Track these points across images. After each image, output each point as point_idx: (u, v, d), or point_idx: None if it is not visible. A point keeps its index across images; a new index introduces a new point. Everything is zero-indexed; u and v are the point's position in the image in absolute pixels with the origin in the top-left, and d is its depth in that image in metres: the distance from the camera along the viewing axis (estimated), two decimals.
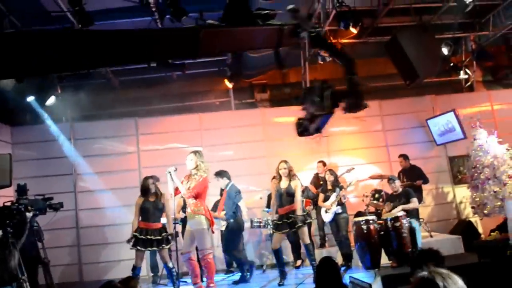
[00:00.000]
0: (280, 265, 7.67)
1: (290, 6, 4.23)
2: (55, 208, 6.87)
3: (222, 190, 8.45)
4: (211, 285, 6.74)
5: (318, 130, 4.41)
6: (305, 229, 7.48)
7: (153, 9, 7.43)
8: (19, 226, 6.18)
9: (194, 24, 6.69)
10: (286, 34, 4.18)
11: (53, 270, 6.76)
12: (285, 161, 7.63)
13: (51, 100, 8.52)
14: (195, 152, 6.93)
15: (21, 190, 6.11)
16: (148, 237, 7.12)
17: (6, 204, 5.69)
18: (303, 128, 4.51)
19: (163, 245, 7.25)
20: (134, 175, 9.81)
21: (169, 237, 7.28)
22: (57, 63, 2.97)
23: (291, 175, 7.54)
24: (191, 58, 5.31)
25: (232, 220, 8.17)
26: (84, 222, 10.04)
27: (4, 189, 6.31)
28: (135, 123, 10.48)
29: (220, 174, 8.33)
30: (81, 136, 10.31)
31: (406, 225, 7.77)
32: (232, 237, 8.29)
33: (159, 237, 7.21)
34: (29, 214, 5.84)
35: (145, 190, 7.41)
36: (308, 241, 7.49)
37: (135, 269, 7.14)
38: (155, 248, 7.23)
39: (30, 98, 8.15)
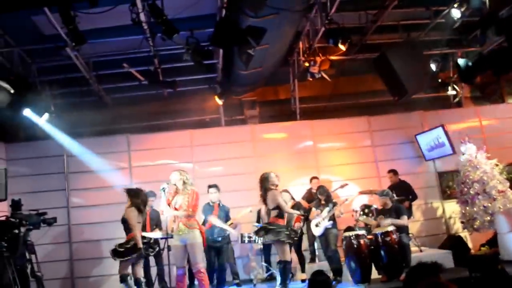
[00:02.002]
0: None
1: None
2: (49, 223, 6.93)
3: (213, 203, 8.54)
4: None
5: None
6: (282, 246, 7.24)
7: (145, 28, 7.57)
8: (13, 241, 6.26)
9: (185, 43, 6.83)
10: None
11: (46, 284, 6.77)
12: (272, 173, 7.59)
13: (45, 118, 8.60)
14: (180, 171, 7.11)
15: (16, 205, 6.18)
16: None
17: (0, 219, 5.75)
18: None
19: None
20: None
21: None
22: None
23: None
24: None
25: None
26: (77, 237, 10.09)
27: None
28: (127, 140, 10.58)
29: (217, 187, 8.54)
30: (74, 152, 10.37)
31: (396, 240, 7.86)
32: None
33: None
34: (23, 229, 5.90)
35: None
36: (288, 258, 7.27)
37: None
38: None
39: (26, 113, 8.22)
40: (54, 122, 9.36)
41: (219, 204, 8.55)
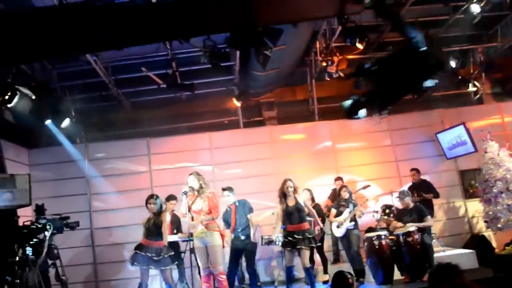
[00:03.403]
0: (289, 281, 7.53)
1: None
2: (72, 227, 7.02)
3: (230, 206, 8.53)
4: None
5: (388, 104, 4.16)
6: (307, 252, 7.33)
7: None
8: (38, 245, 6.37)
9: (202, 46, 6.83)
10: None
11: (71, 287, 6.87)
12: (290, 180, 7.57)
13: (66, 123, 8.70)
14: (195, 173, 7.13)
15: (39, 210, 6.26)
16: (148, 254, 7.05)
17: (25, 223, 5.84)
18: (358, 107, 4.44)
19: (162, 267, 7.08)
20: (147, 194, 9.89)
21: (168, 260, 7.15)
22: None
23: (296, 192, 7.56)
24: (245, 25, 4.92)
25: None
26: (100, 240, 10.21)
27: (23, 209, 6.48)
28: (146, 143, 10.66)
29: (231, 189, 8.50)
30: (95, 156, 10.51)
31: (419, 240, 7.78)
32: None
33: (158, 257, 7.02)
34: (47, 233, 5.98)
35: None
36: (308, 264, 7.34)
37: (141, 285, 7.11)
38: (152, 267, 7.03)
39: (47, 121, 8.34)
40: (75, 127, 9.47)
41: (236, 204, 8.46)
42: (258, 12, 3.43)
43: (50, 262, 6.89)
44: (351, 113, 4.76)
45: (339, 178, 9.88)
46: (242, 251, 8.41)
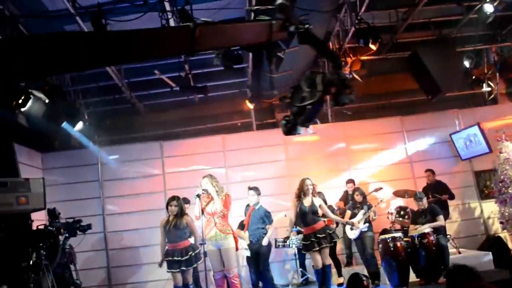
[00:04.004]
0: (324, 285, 7.36)
1: (279, 1, 4.40)
2: (83, 230, 7.04)
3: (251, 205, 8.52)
4: None
5: (308, 120, 4.53)
6: (327, 250, 7.36)
7: None
8: (52, 249, 6.39)
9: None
10: (276, 29, 4.42)
11: None
12: (309, 179, 7.56)
13: (79, 126, 8.74)
14: (209, 176, 7.11)
15: (53, 214, 6.29)
16: (175, 258, 7.10)
17: (39, 227, 5.86)
18: (291, 126, 4.69)
19: (186, 267, 7.11)
20: (160, 197, 9.95)
21: (194, 258, 7.17)
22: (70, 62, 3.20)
23: (314, 193, 7.55)
24: (188, 54, 5.53)
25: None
26: (113, 244, 10.22)
27: (37, 213, 6.50)
28: (160, 146, 10.66)
29: (257, 190, 8.48)
30: (108, 160, 10.53)
31: (434, 241, 7.70)
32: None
33: (186, 257, 7.05)
34: (61, 237, 6.01)
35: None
36: (328, 262, 7.37)
37: None
38: (183, 268, 7.04)
39: (61, 124, 8.38)
40: (88, 131, 9.51)
41: (254, 207, 8.43)
42: (200, 43, 3.96)
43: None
44: (289, 132, 5.01)
45: (350, 181, 9.81)
46: (257, 254, 8.39)
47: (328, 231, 7.30)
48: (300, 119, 4.70)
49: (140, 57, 4.16)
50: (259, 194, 8.42)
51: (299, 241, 8.30)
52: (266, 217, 8.41)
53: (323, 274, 7.27)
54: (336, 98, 4.37)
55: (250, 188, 8.45)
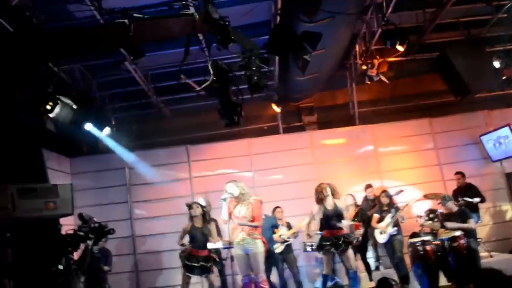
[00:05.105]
0: None
1: None
2: (104, 234, 7.10)
3: None
4: None
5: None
6: (351, 252, 7.35)
7: (201, 38, 7.64)
8: (81, 254, 6.49)
9: (241, 52, 6.96)
10: (199, 22, 5.11)
11: None
12: (325, 183, 7.56)
13: (106, 131, 8.84)
14: (233, 180, 7.14)
15: (83, 219, 6.36)
16: (194, 264, 7.18)
17: (68, 232, 5.92)
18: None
19: (207, 274, 7.35)
20: (187, 201, 9.98)
21: (213, 265, 7.40)
22: None
23: (335, 196, 7.47)
24: (127, 47, 6.17)
25: None
26: (141, 248, 10.30)
27: (66, 218, 6.58)
28: (186, 151, 10.73)
29: None
30: (135, 164, 10.61)
31: (465, 245, 7.53)
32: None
33: (204, 264, 7.26)
34: (90, 242, 6.07)
35: (190, 215, 7.61)
36: (353, 267, 7.33)
37: None
38: (197, 276, 7.29)
39: (88, 127, 8.51)
40: (115, 136, 9.61)
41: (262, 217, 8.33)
42: (137, 36, 4.69)
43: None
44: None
45: (369, 186, 9.65)
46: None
47: (348, 238, 7.29)
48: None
49: (85, 50, 5.10)
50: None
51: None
52: (275, 226, 8.50)
53: (327, 281, 7.48)
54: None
55: None
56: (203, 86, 6.23)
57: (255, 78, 5.47)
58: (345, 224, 7.62)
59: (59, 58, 7.44)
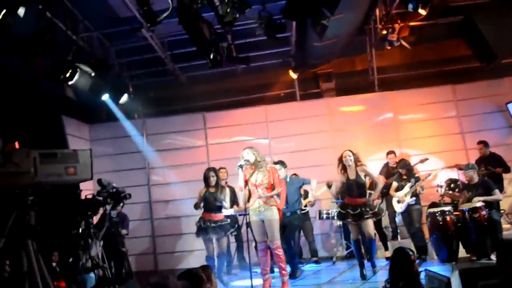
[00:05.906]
0: (358, 257, 7.39)
1: None
2: (121, 200, 7.18)
3: None
4: (284, 274, 6.78)
5: None
6: (371, 222, 7.28)
7: (217, 4, 7.48)
8: (100, 218, 6.67)
9: (257, 18, 6.84)
10: None
11: (131, 259, 7.07)
12: (350, 150, 7.36)
13: (124, 98, 8.90)
14: (249, 147, 7.00)
15: (102, 184, 6.44)
16: (208, 225, 7.37)
17: (87, 197, 6.01)
18: None
19: (219, 237, 7.47)
20: (203, 168, 9.94)
21: (229, 225, 7.54)
22: None
23: (357, 165, 7.35)
24: None
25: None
26: (158, 213, 10.44)
27: (85, 183, 6.66)
28: (203, 118, 10.73)
29: (283, 163, 8.31)
30: (153, 131, 10.69)
31: (486, 216, 7.38)
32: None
33: (216, 227, 7.40)
34: (108, 207, 6.19)
35: (205, 180, 7.64)
36: (372, 235, 7.27)
37: (207, 258, 7.46)
38: (214, 236, 7.40)
39: (105, 97, 8.57)
40: (133, 103, 9.63)
41: (286, 180, 8.18)
42: None
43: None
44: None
45: (391, 152, 9.47)
46: (285, 227, 8.18)
47: (368, 208, 7.21)
48: None
49: None
50: (285, 167, 8.28)
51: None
52: (302, 181, 8.44)
53: (360, 246, 7.36)
54: None
55: (276, 163, 8.21)
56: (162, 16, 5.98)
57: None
58: (373, 197, 7.60)
59: None
